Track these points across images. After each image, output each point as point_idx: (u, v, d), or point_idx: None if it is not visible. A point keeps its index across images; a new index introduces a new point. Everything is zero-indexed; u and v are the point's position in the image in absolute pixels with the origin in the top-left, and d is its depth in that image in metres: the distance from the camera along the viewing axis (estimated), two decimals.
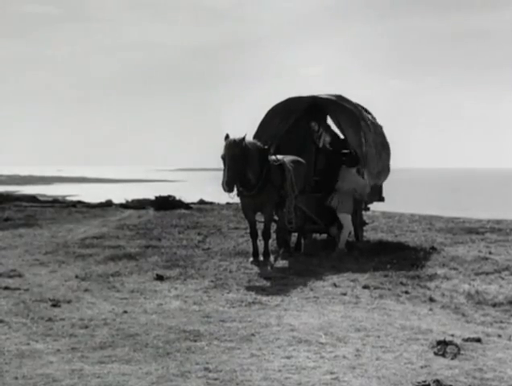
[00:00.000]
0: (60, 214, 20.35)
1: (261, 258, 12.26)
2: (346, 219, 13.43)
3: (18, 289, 9.89)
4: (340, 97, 14.42)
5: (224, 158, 11.72)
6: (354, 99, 14.78)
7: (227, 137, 11.85)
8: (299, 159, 13.30)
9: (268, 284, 10.44)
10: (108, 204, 24.99)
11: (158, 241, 14.47)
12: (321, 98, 14.38)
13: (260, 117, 14.44)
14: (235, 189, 11.97)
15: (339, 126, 14.11)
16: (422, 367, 6.48)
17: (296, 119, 14.38)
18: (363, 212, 15.28)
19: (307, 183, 13.34)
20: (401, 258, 12.38)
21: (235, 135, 11.91)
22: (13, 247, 13.96)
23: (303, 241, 13.62)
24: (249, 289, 10.07)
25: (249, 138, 12.54)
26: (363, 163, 13.79)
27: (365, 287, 10.16)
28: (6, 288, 9.87)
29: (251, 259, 12.14)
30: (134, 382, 6.03)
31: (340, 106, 14.13)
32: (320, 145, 14.15)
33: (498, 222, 18.59)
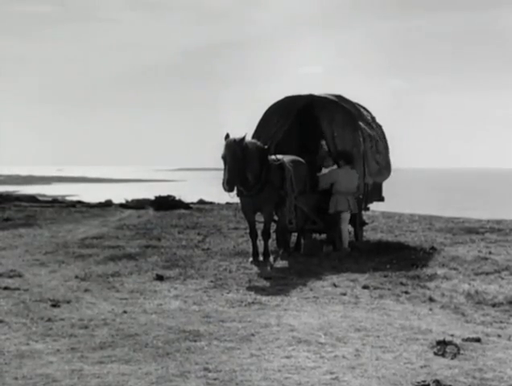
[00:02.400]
0: (60, 214, 20.34)
1: (260, 258, 12.26)
2: (347, 218, 13.53)
3: (18, 289, 9.89)
4: (338, 97, 14.43)
5: (224, 157, 11.72)
6: (354, 99, 14.81)
7: (227, 136, 11.86)
8: (299, 159, 13.31)
9: (268, 284, 10.44)
10: (107, 204, 24.98)
11: (158, 241, 14.47)
12: (318, 97, 14.39)
13: (259, 117, 14.45)
14: (235, 188, 11.98)
15: (334, 125, 14.09)
16: (421, 367, 6.48)
17: (295, 118, 14.39)
18: (363, 212, 15.30)
19: (308, 183, 13.34)
20: (401, 258, 12.38)
21: (235, 135, 11.91)
22: (13, 247, 13.96)
23: (302, 241, 13.62)
24: (248, 289, 10.07)
25: (249, 138, 12.55)
26: (361, 162, 13.79)
27: (365, 287, 10.16)
28: (6, 288, 9.87)
29: (251, 259, 12.14)
30: (134, 382, 6.03)
31: (337, 105, 14.13)
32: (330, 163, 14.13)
33: (498, 222, 18.59)
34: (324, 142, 14.09)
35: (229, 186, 11.63)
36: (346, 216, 13.54)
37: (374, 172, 14.41)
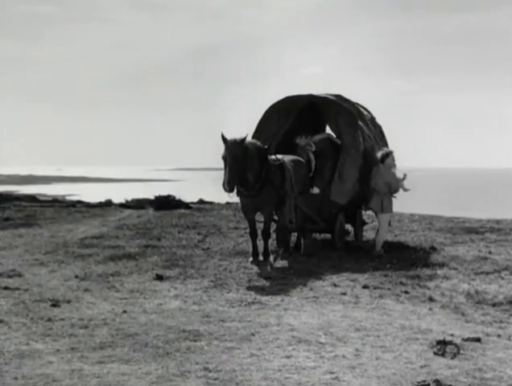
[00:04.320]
0: (60, 214, 20.32)
1: (260, 258, 12.26)
2: (385, 219, 13.23)
3: (18, 289, 9.89)
4: (338, 96, 14.43)
5: (225, 158, 11.70)
6: (354, 99, 14.80)
7: (222, 136, 11.78)
8: (300, 159, 13.30)
9: (268, 284, 10.44)
10: (107, 204, 24.95)
11: (158, 241, 14.45)
12: (318, 97, 14.38)
13: (259, 117, 14.44)
14: (235, 189, 11.96)
15: (336, 125, 14.09)
16: (421, 367, 6.49)
17: (295, 118, 14.39)
18: (363, 212, 15.30)
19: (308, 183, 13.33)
20: (400, 258, 12.39)
21: (234, 135, 11.87)
22: (13, 247, 13.94)
23: (302, 241, 13.61)
24: (248, 288, 10.07)
25: (249, 138, 12.53)
26: (361, 162, 13.77)
27: (365, 287, 10.16)
28: (6, 288, 9.86)
29: (251, 259, 12.13)
30: (134, 382, 6.03)
31: (337, 105, 14.12)
32: (310, 156, 13.95)
33: (498, 222, 18.58)
34: (298, 138, 13.96)
35: (229, 186, 11.61)
36: (380, 217, 13.27)
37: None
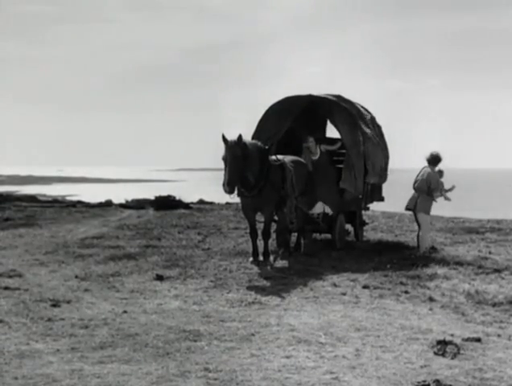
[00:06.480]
0: (60, 214, 20.32)
1: (261, 258, 12.25)
2: (424, 219, 13.22)
3: (18, 289, 9.89)
4: (338, 97, 14.42)
5: (225, 159, 11.67)
6: (354, 99, 14.80)
7: (223, 137, 11.74)
8: (300, 159, 13.30)
9: (268, 284, 10.44)
10: (108, 204, 24.95)
11: (158, 241, 14.46)
12: (319, 97, 14.38)
13: (259, 117, 14.43)
14: (236, 189, 11.93)
15: (336, 125, 14.10)
16: (422, 367, 6.49)
17: (295, 118, 14.39)
18: (363, 212, 15.30)
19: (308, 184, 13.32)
20: (401, 258, 12.38)
21: (234, 136, 11.84)
22: (13, 247, 13.95)
23: (302, 241, 13.61)
24: (249, 288, 10.07)
25: (246, 138, 12.47)
26: (362, 162, 13.78)
27: (365, 287, 10.17)
28: (6, 288, 9.87)
29: (251, 259, 12.13)
30: (134, 382, 6.03)
31: (337, 105, 14.12)
32: (317, 156, 13.90)
33: (498, 222, 18.60)
34: (311, 139, 13.89)
35: (229, 187, 11.57)
36: (418, 217, 13.25)
37: (375, 173, 14.40)
